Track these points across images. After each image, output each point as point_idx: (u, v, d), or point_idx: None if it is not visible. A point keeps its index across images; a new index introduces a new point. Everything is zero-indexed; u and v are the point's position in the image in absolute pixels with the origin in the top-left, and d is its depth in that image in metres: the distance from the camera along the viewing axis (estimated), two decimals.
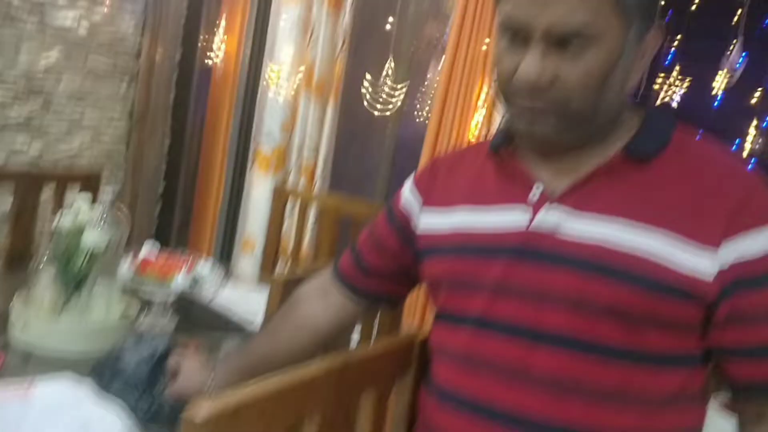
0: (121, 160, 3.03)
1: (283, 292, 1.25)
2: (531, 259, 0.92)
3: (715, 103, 3.93)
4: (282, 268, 2.64)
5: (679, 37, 4.11)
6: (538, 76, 0.85)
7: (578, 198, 0.92)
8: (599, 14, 0.84)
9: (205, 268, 1.70)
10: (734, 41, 2.16)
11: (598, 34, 0.84)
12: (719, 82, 2.26)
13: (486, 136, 2.34)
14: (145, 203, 3.10)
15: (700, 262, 0.86)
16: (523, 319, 0.92)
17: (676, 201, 0.89)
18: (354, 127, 3.35)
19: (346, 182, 3.24)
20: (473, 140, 2.37)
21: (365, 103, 2.72)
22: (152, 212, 3.15)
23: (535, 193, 0.95)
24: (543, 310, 0.91)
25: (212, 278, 1.69)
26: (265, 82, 2.95)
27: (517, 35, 0.87)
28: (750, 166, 0.95)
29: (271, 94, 2.93)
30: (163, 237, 3.23)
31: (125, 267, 1.64)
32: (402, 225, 1.11)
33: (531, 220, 0.93)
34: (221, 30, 3.06)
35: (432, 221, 1.05)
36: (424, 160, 2.49)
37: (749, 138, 3.43)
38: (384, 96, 2.76)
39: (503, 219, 0.96)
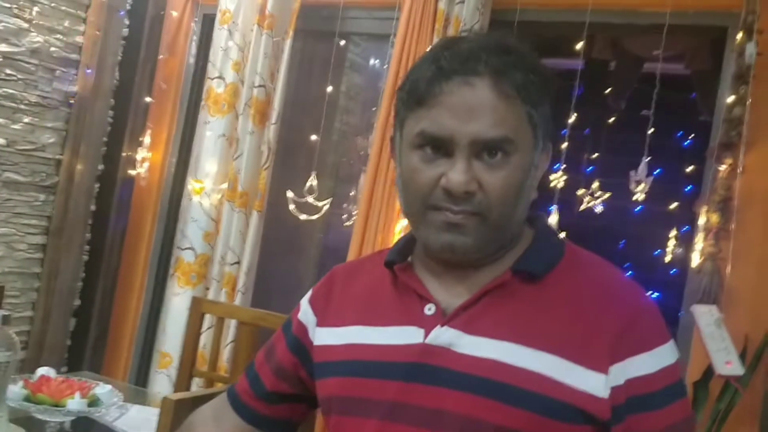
0: (34, 273, 2.91)
1: (174, 414, 1.17)
2: (426, 378, 0.89)
3: (637, 209, 4.07)
4: (198, 386, 2.52)
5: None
6: (467, 183, 0.87)
7: (468, 319, 0.91)
8: (518, 128, 0.88)
9: (102, 390, 1.62)
10: (643, 158, 2.25)
11: (516, 147, 0.88)
12: (637, 193, 2.33)
13: None
14: (58, 319, 2.96)
15: (591, 383, 0.85)
16: None
17: (564, 324, 0.88)
18: (279, 235, 3.33)
19: (271, 291, 3.18)
20: None
21: (288, 209, 2.71)
22: (65, 329, 3.00)
23: (427, 314, 0.93)
24: None
25: (110, 400, 1.61)
26: (188, 195, 2.93)
27: (438, 148, 0.89)
28: (645, 290, 0.96)
29: (194, 205, 2.90)
30: (76, 355, 3.08)
31: (17, 388, 1.55)
32: (299, 337, 1.07)
33: (425, 337, 0.92)
34: (146, 144, 3.05)
35: (326, 338, 1.02)
36: None
37: (669, 244, 3.53)
38: (309, 205, 2.75)
39: (397, 337, 0.94)
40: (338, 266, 1.12)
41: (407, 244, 1.03)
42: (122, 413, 1.90)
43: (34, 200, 2.84)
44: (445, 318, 0.92)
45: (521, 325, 0.89)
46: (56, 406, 1.52)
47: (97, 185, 3.05)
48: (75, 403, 1.52)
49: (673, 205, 3.95)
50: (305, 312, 1.08)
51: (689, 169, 3.91)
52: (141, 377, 3.16)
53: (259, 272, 2.97)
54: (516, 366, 0.86)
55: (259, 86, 2.81)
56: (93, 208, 3.06)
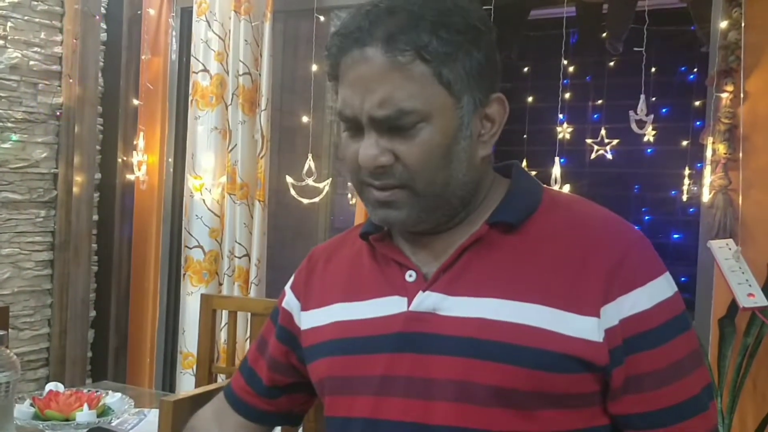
0: (46, 290, 2.90)
1: (174, 416, 1.14)
2: (413, 347, 0.86)
3: (648, 151, 3.99)
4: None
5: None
6: (374, 158, 0.84)
7: (449, 280, 0.87)
8: (421, 93, 0.82)
9: (112, 398, 1.60)
10: (641, 95, 2.18)
11: (424, 113, 0.82)
12: (644, 135, 2.26)
13: None
14: (76, 333, 2.96)
15: (584, 329, 0.80)
16: (410, 418, 0.84)
17: (549, 271, 0.84)
18: (288, 223, 3.30)
19: (286, 280, 3.14)
20: None
21: (292, 195, 2.67)
22: (84, 342, 3.00)
23: (408, 281, 0.89)
24: (430, 405, 0.83)
25: (121, 408, 1.59)
26: (189, 192, 2.90)
27: (351, 125, 0.85)
28: (630, 223, 0.90)
29: (197, 202, 2.87)
30: (99, 366, 3.08)
31: (25, 407, 1.53)
32: (286, 326, 1.04)
33: (408, 305, 0.88)
34: (140, 147, 3.02)
35: (312, 321, 0.99)
36: None
37: (685, 183, 3.45)
38: (310, 188, 2.71)
39: (381, 309, 0.90)
40: (317, 247, 1.09)
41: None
42: (141, 419, 1.89)
43: (36, 217, 2.82)
44: (426, 283, 0.88)
45: (504, 278, 0.85)
46: (66, 420, 1.50)
47: (96, 194, 3.03)
48: (84, 416, 1.50)
49: (685, 143, 3.87)
50: (289, 299, 1.06)
51: (697, 103, 3.82)
52: (167, 381, 3.16)
53: (271, 262, 2.95)
54: (503, 321, 0.82)
55: (244, 74, 2.76)
56: (96, 217, 3.04)
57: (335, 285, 0.98)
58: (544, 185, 0.94)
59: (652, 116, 2.18)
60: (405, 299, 0.89)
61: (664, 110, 4.00)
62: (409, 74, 0.81)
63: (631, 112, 2.15)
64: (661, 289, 0.84)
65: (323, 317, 0.97)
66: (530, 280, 0.84)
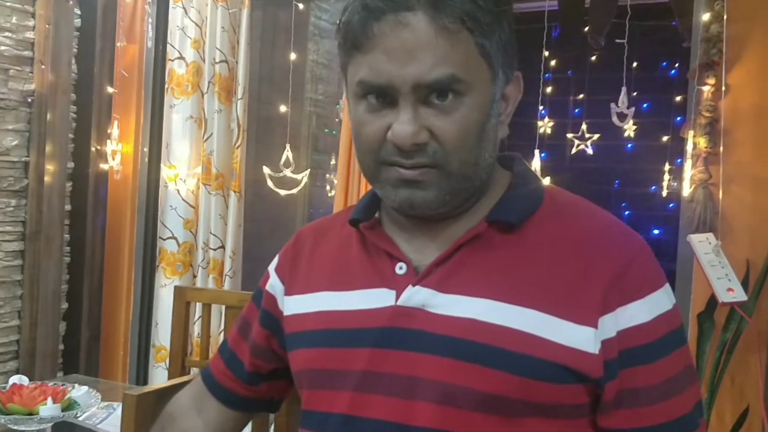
0: (16, 281, 2.83)
1: (138, 410, 1.10)
2: (398, 344, 0.81)
3: (628, 146, 3.98)
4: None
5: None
6: (414, 133, 0.77)
7: (442, 276, 0.82)
8: (467, 63, 0.77)
9: (78, 392, 1.55)
10: (623, 88, 2.15)
11: (468, 85, 0.77)
12: (625, 130, 2.24)
13: None
14: (47, 325, 2.89)
15: (579, 337, 0.76)
16: (390, 417, 0.80)
17: (547, 276, 0.79)
18: (264, 215, 3.26)
19: (262, 272, 3.10)
20: None
21: (270, 187, 2.62)
22: (56, 334, 2.93)
23: (398, 274, 0.85)
24: (412, 405, 0.79)
25: (87, 402, 1.54)
26: (164, 182, 2.84)
27: (381, 97, 0.79)
28: (632, 231, 0.86)
29: (171, 193, 2.82)
30: (71, 360, 3.02)
31: None
32: (269, 310, 1.00)
33: (397, 299, 0.83)
34: (115, 136, 2.96)
35: (295, 307, 0.94)
36: None
37: (665, 179, 3.45)
38: (288, 179, 2.67)
39: (367, 301, 0.86)
40: (305, 227, 1.03)
41: (373, 199, 0.93)
42: (110, 413, 1.85)
43: (6, 206, 2.75)
44: (417, 277, 0.84)
45: (500, 279, 0.80)
46: (30, 414, 1.45)
47: (69, 184, 2.96)
48: (48, 410, 1.45)
49: (665, 138, 3.86)
50: (273, 281, 1.01)
51: (678, 98, 3.81)
52: (141, 374, 3.10)
53: (248, 254, 2.90)
54: (496, 324, 0.77)
55: (221, 62, 2.71)
56: (68, 207, 2.97)
57: (322, 271, 0.93)
58: (546, 184, 0.90)
59: (633, 109, 2.17)
60: (393, 292, 0.84)
61: (645, 105, 3.99)
62: (456, 41, 0.76)
63: (613, 105, 2.13)
64: (660, 301, 0.80)
65: (307, 305, 0.92)
66: (526, 283, 0.79)
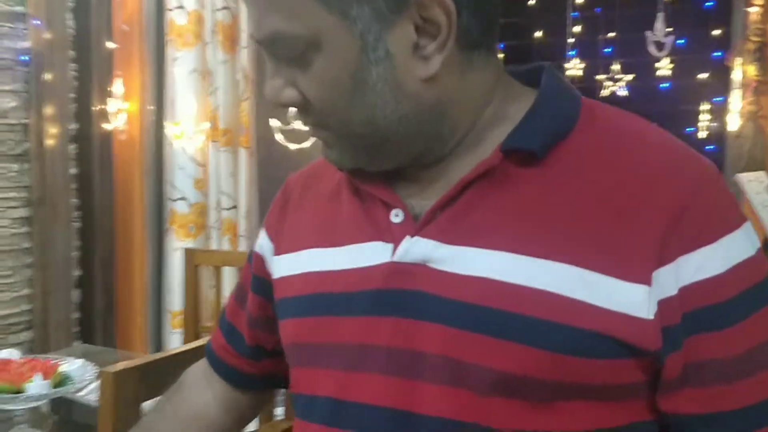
0: (25, 248, 2.73)
1: (116, 387, 0.97)
2: (396, 309, 0.66)
3: (663, 86, 3.75)
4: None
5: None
6: (275, 92, 0.68)
7: (446, 223, 0.66)
8: (299, 15, 0.62)
9: (71, 366, 1.44)
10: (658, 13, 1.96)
11: (309, 39, 0.63)
12: (661, 68, 2.05)
13: None
14: (60, 293, 2.80)
15: (628, 298, 0.59)
16: (388, 402, 0.65)
17: (583, 219, 0.62)
18: (279, 173, 3.12)
19: None
20: None
21: (280, 140, 2.48)
22: (69, 303, 2.84)
23: (394, 222, 0.69)
24: (416, 387, 0.64)
25: (82, 377, 1.43)
26: (169, 141, 2.71)
27: None
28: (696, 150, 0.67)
29: (177, 151, 2.69)
30: (87, 329, 2.93)
31: None
32: (260, 275, 0.87)
33: (393, 254, 0.68)
34: (118, 94, 2.82)
35: (283, 268, 0.80)
36: None
37: (702, 119, 3.24)
38: (299, 132, 2.52)
39: (359, 258, 0.70)
40: (292, 175, 0.88)
41: None
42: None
43: (8, 171, 2.63)
44: (416, 225, 0.67)
45: (521, 226, 0.63)
46: (17, 392, 1.34)
47: (73, 146, 2.83)
48: (36, 387, 1.33)
49: (703, 76, 3.63)
50: (262, 241, 0.87)
51: (716, 32, 3.57)
52: (157, 341, 3.02)
53: (263, 214, 2.77)
54: (517, 285, 0.61)
55: (223, 8, 2.56)
56: (74, 171, 2.85)
57: (312, 223, 0.78)
58: (584, 97, 0.71)
59: (672, 38, 1.96)
60: (390, 246, 0.68)
61: (680, 42, 3.76)
62: None
63: (648, 33, 1.93)
64: (740, 245, 0.62)
65: (294, 265, 0.77)
66: (556, 230, 0.62)
